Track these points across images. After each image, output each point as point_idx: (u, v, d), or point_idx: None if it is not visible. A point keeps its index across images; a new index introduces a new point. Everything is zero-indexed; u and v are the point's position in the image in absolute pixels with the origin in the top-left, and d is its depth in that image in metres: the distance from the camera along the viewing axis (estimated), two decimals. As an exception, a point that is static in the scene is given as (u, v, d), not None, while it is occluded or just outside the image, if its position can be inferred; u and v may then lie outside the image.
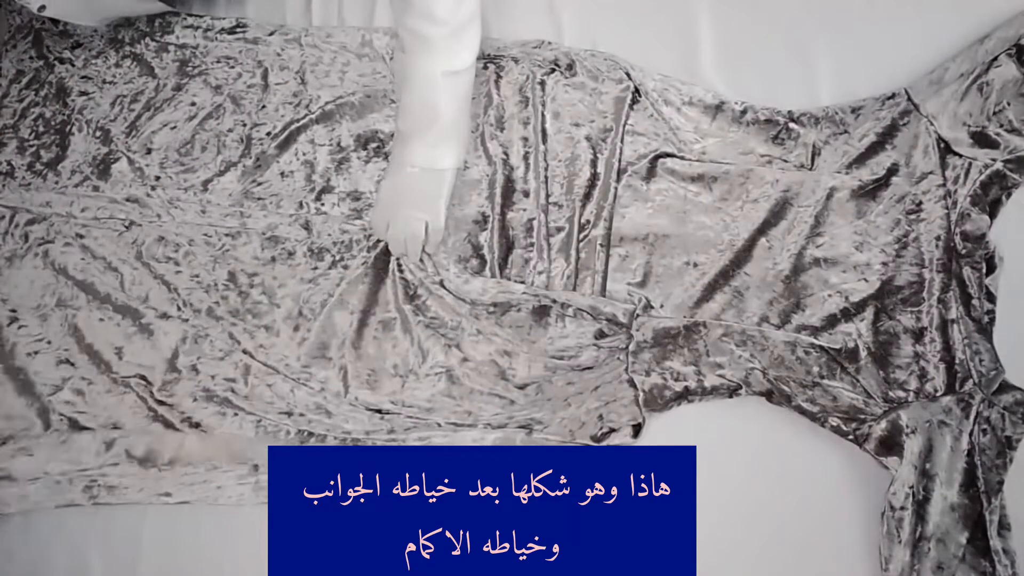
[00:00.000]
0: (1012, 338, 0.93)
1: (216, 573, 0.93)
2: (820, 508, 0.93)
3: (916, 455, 0.89)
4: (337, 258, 0.98)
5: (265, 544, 0.93)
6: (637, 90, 1.03)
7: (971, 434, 0.89)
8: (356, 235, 0.99)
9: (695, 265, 0.97)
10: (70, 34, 1.06)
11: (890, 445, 0.90)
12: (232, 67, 1.05)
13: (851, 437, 0.90)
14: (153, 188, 1.01)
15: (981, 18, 1.00)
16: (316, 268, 0.98)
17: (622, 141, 1.01)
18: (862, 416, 0.91)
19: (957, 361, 0.92)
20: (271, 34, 1.06)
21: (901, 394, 0.92)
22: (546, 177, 1.00)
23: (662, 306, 0.96)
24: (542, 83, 1.03)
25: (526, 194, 1.00)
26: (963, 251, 0.94)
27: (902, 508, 0.88)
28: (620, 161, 1.01)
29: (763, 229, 0.98)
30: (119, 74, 1.05)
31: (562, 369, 0.95)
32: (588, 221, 0.99)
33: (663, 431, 0.94)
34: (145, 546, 0.94)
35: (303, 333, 0.96)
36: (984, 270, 0.93)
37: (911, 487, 0.88)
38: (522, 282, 0.97)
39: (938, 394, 0.92)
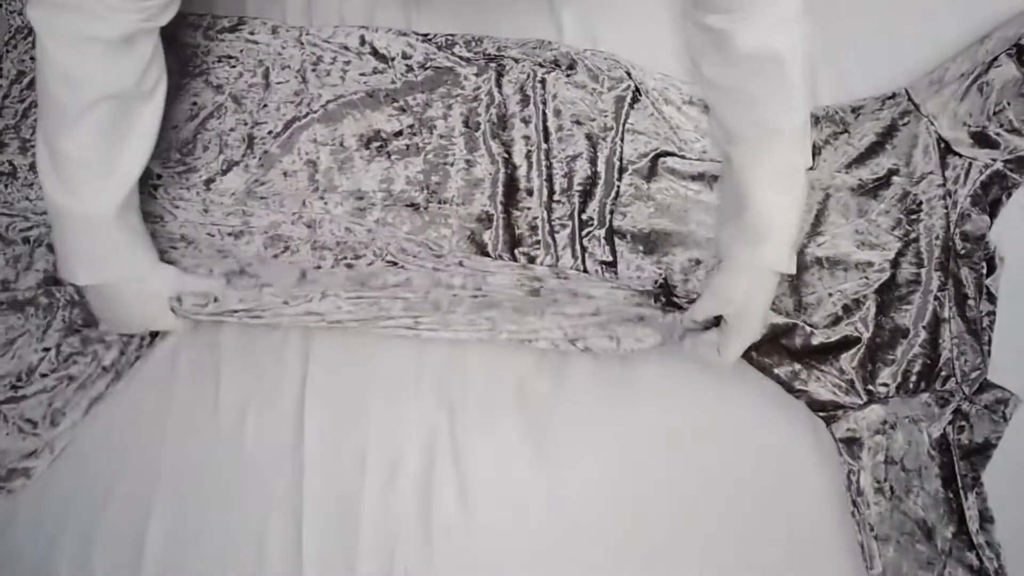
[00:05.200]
0: (1013, 338, 0.94)
1: (219, 574, 0.93)
2: (821, 508, 0.94)
3: (897, 450, 0.91)
4: (340, 257, 0.98)
5: (267, 545, 0.93)
6: (637, 89, 1.03)
7: (951, 431, 0.91)
8: (360, 235, 0.98)
9: (698, 263, 0.98)
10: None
11: (851, 442, 0.92)
12: (233, 66, 1.05)
13: (822, 415, 0.93)
14: (155, 188, 1.00)
15: (981, 18, 1.01)
16: (319, 267, 0.98)
17: (622, 140, 1.02)
18: (840, 406, 0.92)
19: (943, 360, 0.93)
20: (272, 33, 1.06)
21: (882, 389, 0.93)
22: (549, 175, 1.00)
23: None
24: (543, 81, 1.03)
25: (529, 192, 1.00)
26: (962, 251, 0.95)
27: (876, 504, 0.89)
28: (621, 160, 1.01)
29: (764, 228, 0.99)
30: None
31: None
32: (591, 219, 0.99)
33: (647, 407, 0.96)
34: (148, 547, 0.93)
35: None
36: (984, 271, 0.94)
37: (880, 482, 0.90)
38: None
39: (919, 390, 0.93)
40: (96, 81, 0.82)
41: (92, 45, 0.80)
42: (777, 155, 0.83)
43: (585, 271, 0.98)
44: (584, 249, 0.98)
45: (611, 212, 0.99)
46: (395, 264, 0.97)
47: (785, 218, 0.85)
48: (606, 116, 1.03)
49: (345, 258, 0.98)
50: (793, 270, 0.87)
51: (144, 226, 0.93)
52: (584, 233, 0.99)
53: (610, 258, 0.98)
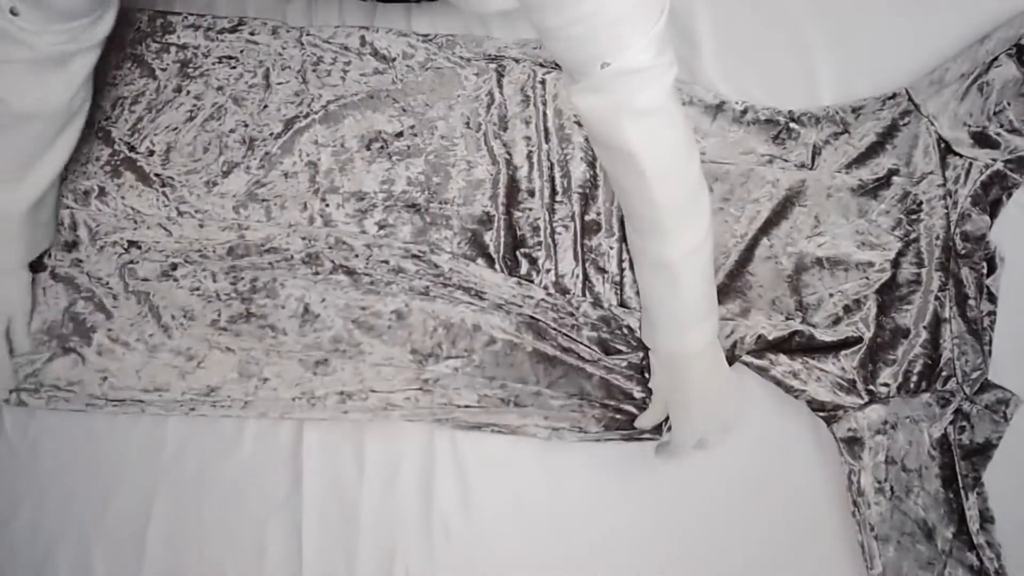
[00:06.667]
0: (1013, 338, 0.94)
1: (219, 574, 0.93)
2: (821, 508, 0.94)
3: (897, 450, 0.91)
4: (337, 263, 0.98)
5: (267, 546, 0.93)
6: None
7: (951, 431, 0.91)
8: (359, 249, 0.98)
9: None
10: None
11: (852, 442, 0.92)
12: (233, 67, 1.04)
13: (823, 415, 0.93)
14: (157, 189, 1.00)
15: (981, 18, 1.01)
16: (318, 273, 0.97)
17: None
18: (841, 406, 0.93)
19: (944, 360, 0.93)
20: (272, 33, 1.06)
21: (883, 389, 0.93)
22: (551, 176, 1.00)
23: None
24: (543, 81, 1.03)
25: (531, 193, 1.00)
26: (962, 251, 0.95)
27: (876, 504, 0.89)
28: None
29: (765, 229, 0.99)
30: (119, 76, 1.04)
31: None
32: (596, 222, 0.99)
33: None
34: (149, 548, 0.93)
35: (311, 330, 0.96)
36: (985, 270, 0.94)
37: (881, 482, 0.90)
38: (530, 281, 0.97)
39: (920, 390, 0.93)
40: (21, 100, 0.82)
41: (15, 66, 0.80)
42: (646, 245, 0.82)
43: (587, 279, 0.98)
44: (585, 254, 0.98)
45: (618, 218, 0.99)
46: (392, 284, 0.97)
47: (665, 307, 0.84)
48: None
49: (343, 264, 0.97)
50: (693, 348, 0.85)
51: (52, 224, 0.96)
52: (590, 238, 0.99)
53: (617, 275, 0.98)
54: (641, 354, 0.94)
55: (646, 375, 0.93)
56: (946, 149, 0.98)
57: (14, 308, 0.94)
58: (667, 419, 0.90)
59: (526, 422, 0.93)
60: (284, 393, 0.94)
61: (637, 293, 0.97)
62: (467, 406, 0.94)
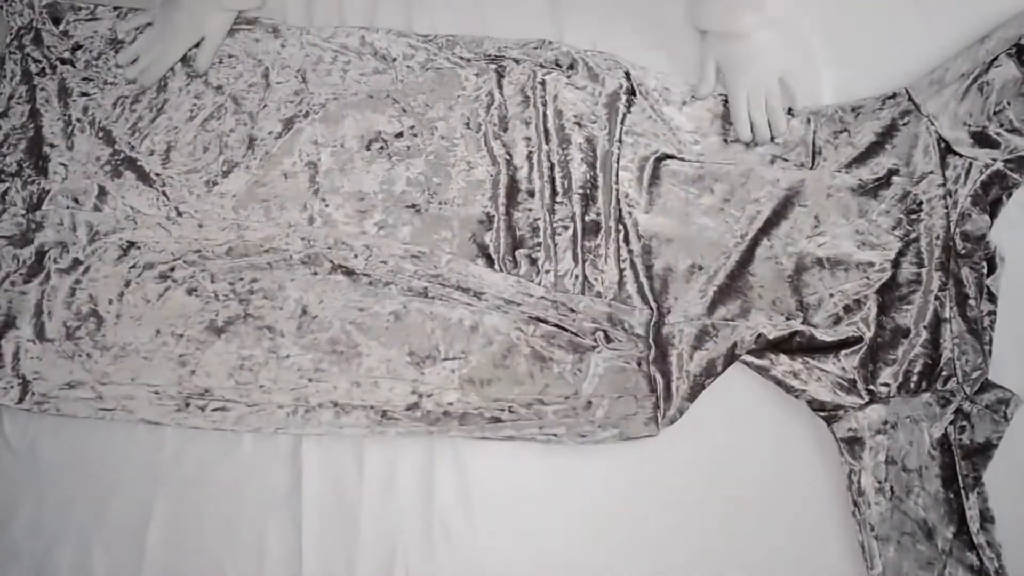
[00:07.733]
0: (1013, 338, 0.94)
1: (219, 574, 0.93)
2: (821, 508, 0.94)
3: (898, 450, 0.91)
4: (336, 263, 0.98)
5: (266, 547, 0.93)
6: (633, 90, 1.03)
7: (952, 431, 0.91)
8: (358, 249, 0.98)
9: (700, 268, 0.97)
10: (70, 35, 1.06)
11: (852, 442, 0.92)
12: (233, 67, 1.04)
13: (823, 415, 0.94)
14: (157, 189, 1.00)
15: (981, 18, 1.01)
16: (316, 273, 0.97)
17: (620, 142, 1.01)
18: (841, 406, 0.93)
19: (944, 359, 0.93)
20: (272, 33, 1.06)
21: (883, 389, 0.93)
22: (551, 177, 1.00)
23: (669, 311, 0.96)
24: (543, 82, 1.03)
25: (531, 194, 1.00)
26: (962, 251, 0.95)
27: (876, 504, 0.89)
28: (618, 162, 1.01)
29: (765, 229, 0.98)
30: (120, 75, 1.05)
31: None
32: (594, 223, 0.99)
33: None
34: (149, 548, 0.94)
35: (309, 331, 0.96)
36: (985, 270, 0.94)
37: (881, 482, 0.90)
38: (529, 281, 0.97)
39: (920, 390, 0.93)
40: None
41: None
42: None
43: (586, 280, 0.98)
44: (584, 254, 0.98)
45: (618, 219, 0.99)
46: (391, 285, 0.97)
47: None
48: (605, 117, 1.03)
49: (342, 265, 0.97)
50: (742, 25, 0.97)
51: None
52: (588, 238, 0.99)
53: (616, 275, 0.98)
54: (641, 347, 0.94)
55: (643, 367, 0.94)
56: (946, 149, 0.98)
57: (209, 31, 1.02)
58: (663, 410, 0.91)
59: (522, 434, 0.94)
60: (278, 398, 0.94)
61: (638, 291, 0.97)
62: (462, 416, 0.94)
